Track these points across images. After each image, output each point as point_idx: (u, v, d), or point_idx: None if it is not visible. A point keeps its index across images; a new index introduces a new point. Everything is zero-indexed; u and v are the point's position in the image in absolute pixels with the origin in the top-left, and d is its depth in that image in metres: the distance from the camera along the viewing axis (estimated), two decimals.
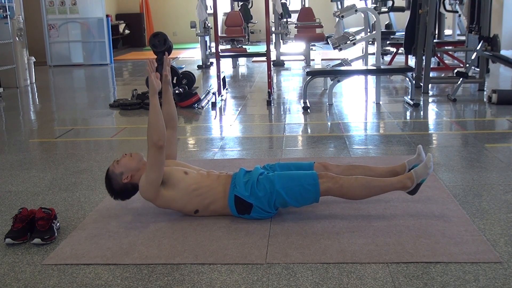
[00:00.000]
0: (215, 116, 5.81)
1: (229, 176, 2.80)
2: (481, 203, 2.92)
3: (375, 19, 6.81)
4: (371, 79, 7.22)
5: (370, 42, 9.87)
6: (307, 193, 2.68)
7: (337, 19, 7.32)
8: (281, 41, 10.60)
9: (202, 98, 6.40)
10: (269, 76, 6.55)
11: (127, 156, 2.81)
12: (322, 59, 10.73)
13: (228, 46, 10.34)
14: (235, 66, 10.33)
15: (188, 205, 2.74)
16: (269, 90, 6.43)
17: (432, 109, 5.83)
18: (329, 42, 7.18)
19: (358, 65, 7.58)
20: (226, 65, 10.23)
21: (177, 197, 2.71)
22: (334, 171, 2.90)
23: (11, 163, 4.06)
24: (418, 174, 2.70)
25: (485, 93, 6.47)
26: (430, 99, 6.27)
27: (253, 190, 2.69)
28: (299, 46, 11.14)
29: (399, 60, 9.43)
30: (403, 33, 8.35)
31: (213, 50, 8.34)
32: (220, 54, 6.77)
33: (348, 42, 6.48)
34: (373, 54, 7.59)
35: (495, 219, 2.70)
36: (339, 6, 10.85)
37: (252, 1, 12.28)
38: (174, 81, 6.56)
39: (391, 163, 3.13)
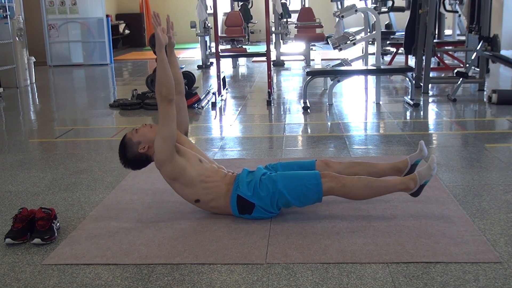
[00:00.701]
0: (215, 116, 5.81)
1: (233, 176, 2.80)
2: (481, 203, 2.92)
3: (375, 19, 6.81)
4: (371, 79, 7.22)
5: (370, 42, 9.86)
6: (310, 192, 2.67)
7: (337, 19, 7.32)
8: (281, 41, 10.59)
9: (202, 98, 6.40)
10: (269, 76, 6.55)
11: (147, 126, 2.79)
12: (322, 59, 10.73)
13: (228, 46, 10.34)
14: (235, 66, 10.33)
15: (191, 192, 2.72)
16: (269, 90, 6.43)
17: (432, 109, 5.83)
18: (329, 42, 7.18)
19: (358, 65, 7.58)
20: (226, 65, 10.23)
21: (187, 170, 2.67)
22: (336, 169, 2.89)
23: (11, 163, 4.06)
24: (422, 175, 2.68)
25: (485, 93, 6.47)
26: (430, 99, 6.27)
27: (255, 190, 2.69)
28: (299, 46, 11.14)
29: (399, 60, 9.43)
30: (403, 33, 8.35)
31: (213, 50, 8.35)
32: (220, 54, 6.77)
33: (348, 42, 6.48)
34: (373, 54, 7.59)
35: (495, 219, 2.70)
36: (339, 6, 10.85)
37: (252, 1, 12.28)
38: None
39: (393, 161, 3.12)
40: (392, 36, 10.69)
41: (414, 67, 7.15)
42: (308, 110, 5.77)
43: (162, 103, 2.60)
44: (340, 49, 6.49)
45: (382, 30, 8.85)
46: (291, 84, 7.95)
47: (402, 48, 8.32)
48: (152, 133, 2.74)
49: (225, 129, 5.20)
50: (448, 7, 9.17)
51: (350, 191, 2.69)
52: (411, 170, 2.91)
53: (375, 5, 9.70)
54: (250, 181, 2.73)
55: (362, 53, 8.32)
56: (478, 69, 6.73)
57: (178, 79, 2.93)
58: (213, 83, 7.56)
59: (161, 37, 2.67)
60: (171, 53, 2.93)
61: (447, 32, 10.25)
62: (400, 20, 12.22)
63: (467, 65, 6.52)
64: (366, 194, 2.72)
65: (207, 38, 10.05)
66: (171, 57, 2.91)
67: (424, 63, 6.65)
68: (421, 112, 5.66)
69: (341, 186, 2.67)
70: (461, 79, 6.22)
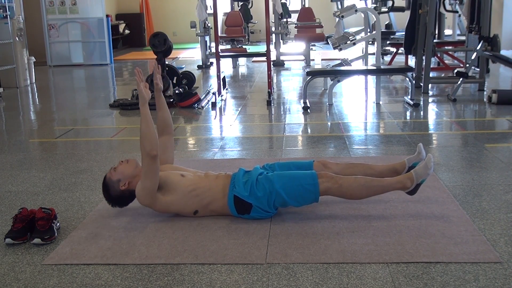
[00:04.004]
0: (215, 116, 5.81)
1: (228, 176, 2.80)
2: (481, 203, 2.92)
3: (375, 19, 6.81)
4: (371, 79, 7.22)
5: (370, 42, 9.86)
6: (306, 193, 2.67)
7: (337, 19, 7.32)
8: (281, 41, 10.60)
9: (202, 98, 6.40)
10: (269, 76, 6.55)
11: (123, 163, 2.81)
12: (322, 59, 10.73)
13: (228, 46, 10.34)
14: (235, 66, 10.33)
15: (186, 206, 2.74)
16: (269, 90, 6.43)
17: (432, 109, 5.83)
18: (329, 42, 7.18)
19: (358, 65, 7.58)
20: (226, 65, 10.23)
21: (175, 201, 2.71)
22: (334, 169, 2.90)
23: (11, 163, 4.06)
24: (418, 174, 2.69)
25: (485, 93, 6.47)
26: (430, 99, 6.27)
27: (252, 190, 2.69)
28: (299, 46, 11.14)
29: (399, 60, 9.43)
30: (403, 33, 8.35)
31: (213, 50, 8.34)
32: (220, 54, 6.77)
33: (348, 42, 6.48)
34: (373, 54, 7.58)
35: (495, 219, 2.70)
36: (339, 6, 10.85)
37: (252, 1, 12.28)
38: (174, 81, 6.57)
39: (391, 162, 3.13)
40: (392, 36, 10.69)
41: (414, 67, 7.15)
42: (308, 110, 5.77)
43: (145, 159, 2.60)
44: (340, 49, 6.49)
45: (382, 30, 8.85)
46: (291, 84, 7.95)
47: (402, 48, 8.31)
48: (130, 168, 2.78)
49: (225, 129, 5.20)
50: (448, 7, 9.17)
51: (347, 191, 2.69)
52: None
53: (375, 5, 9.70)
54: (246, 181, 2.73)
55: (362, 53, 8.32)
56: (478, 69, 6.73)
57: (166, 120, 3.03)
58: (213, 83, 7.56)
59: (144, 92, 2.69)
60: (159, 97, 3.02)
61: (447, 32, 10.25)
62: (400, 20, 12.22)
63: (467, 65, 6.52)
64: (363, 194, 2.73)
65: (207, 38, 10.05)
66: (159, 101, 3.02)
67: (424, 63, 6.65)
68: (421, 112, 5.66)
69: (338, 186, 2.67)
70: (461, 79, 6.22)
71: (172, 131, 3.08)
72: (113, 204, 2.84)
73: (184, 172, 2.81)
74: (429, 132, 4.87)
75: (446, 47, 9.07)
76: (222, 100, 6.59)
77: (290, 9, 12.34)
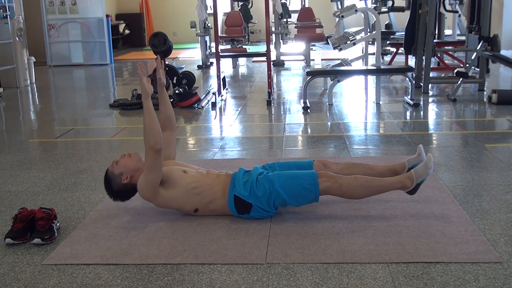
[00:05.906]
0: (215, 116, 5.81)
1: (228, 175, 2.80)
2: (481, 203, 2.92)
3: (375, 19, 6.81)
4: (371, 79, 7.22)
5: (370, 42, 9.86)
6: (306, 192, 2.68)
7: (337, 19, 7.32)
8: (281, 41, 10.59)
9: (202, 98, 6.40)
10: (269, 76, 6.55)
11: (126, 156, 2.82)
12: (322, 59, 10.73)
13: (228, 46, 10.34)
14: (235, 66, 10.33)
15: (187, 203, 2.74)
16: (269, 90, 6.43)
17: (432, 109, 5.83)
18: (329, 42, 7.18)
19: (358, 65, 7.58)
20: (226, 65, 10.23)
21: (176, 196, 2.71)
22: (334, 169, 2.90)
23: (11, 163, 4.06)
24: (418, 174, 2.70)
25: (485, 93, 6.47)
26: (430, 99, 6.27)
27: (252, 190, 2.69)
28: (299, 46, 11.14)
29: (399, 60, 9.43)
30: (403, 33, 8.35)
31: (213, 50, 8.35)
32: (220, 54, 6.77)
33: (348, 42, 6.48)
34: (373, 54, 7.58)
35: (495, 219, 2.70)
36: (339, 6, 10.84)
37: (252, 1, 12.27)
38: (174, 81, 6.57)
39: (391, 163, 3.13)
40: (392, 36, 10.68)
41: (414, 67, 7.15)
42: (308, 110, 5.77)
43: (150, 153, 2.60)
44: (340, 49, 6.49)
45: (382, 30, 8.84)
46: (291, 84, 7.95)
47: (402, 48, 8.31)
48: (132, 162, 2.78)
49: (225, 129, 5.20)
50: (448, 7, 9.16)
51: (347, 191, 2.70)
52: None
53: (375, 5, 9.70)
54: (246, 181, 2.73)
55: (362, 53, 8.31)
56: (478, 69, 6.73)
57: (169, 115, 3.04)
58: (213, 83, 7.56)
59: (147, 86, 2.69)
60: (162, 92, 3.03)
61: (447, 32, 10.25)
62: (400, 20, 12.21)
63: (467, 65, 6.52)
64: (363, 193, 2.73)
65: (207, 38, 10.05)
66: (162, 96, 3.03)
67: (424, 63, 6.65)
68: (421, 112, 5.66)
69: (338, 185, 2.67)
70: (461, 79, 6.22)
71: (174, 127, 3.09)
72: (115, 198, 2.83)
73: (186, 169, 2.81)
74: (429, 132, 4.87)
75: (446, 47, 9.07)
76: (222, 100, 6.59)
77: (290, 9, 12.33)
